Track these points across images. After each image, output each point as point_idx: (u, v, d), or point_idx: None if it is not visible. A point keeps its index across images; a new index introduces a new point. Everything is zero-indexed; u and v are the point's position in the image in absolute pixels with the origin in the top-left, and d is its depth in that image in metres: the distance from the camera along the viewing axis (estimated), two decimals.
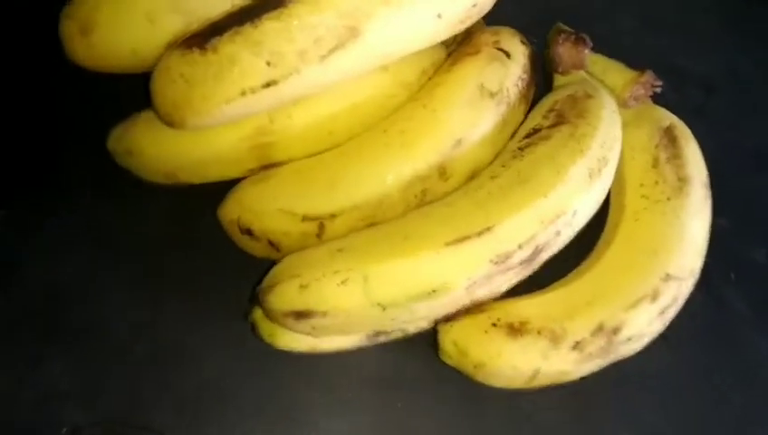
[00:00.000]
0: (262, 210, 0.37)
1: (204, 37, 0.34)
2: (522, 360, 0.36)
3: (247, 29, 0.34)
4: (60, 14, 0.38)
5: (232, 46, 0.34)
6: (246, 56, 0.34)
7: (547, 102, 0.39)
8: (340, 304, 0.33)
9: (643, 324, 0.36)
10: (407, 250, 0.33)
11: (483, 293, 0.34)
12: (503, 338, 0.36)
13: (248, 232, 0.37)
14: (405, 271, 0.33)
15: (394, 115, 0.38)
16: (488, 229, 0.33)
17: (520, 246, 0.34)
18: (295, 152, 0.38)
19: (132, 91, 0.38)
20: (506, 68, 0.38)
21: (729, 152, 0.43)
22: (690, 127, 0.41)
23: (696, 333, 0.40)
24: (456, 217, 0.34)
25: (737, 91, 0.47)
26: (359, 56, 0.34)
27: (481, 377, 0.36)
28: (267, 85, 0.34)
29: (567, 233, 0.35)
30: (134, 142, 0.39)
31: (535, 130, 0.37)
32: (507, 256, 0.33)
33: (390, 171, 0.36)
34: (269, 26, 0.33)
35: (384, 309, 0.33)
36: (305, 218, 0.36)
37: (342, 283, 0.33)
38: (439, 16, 0.35)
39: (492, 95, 0.37)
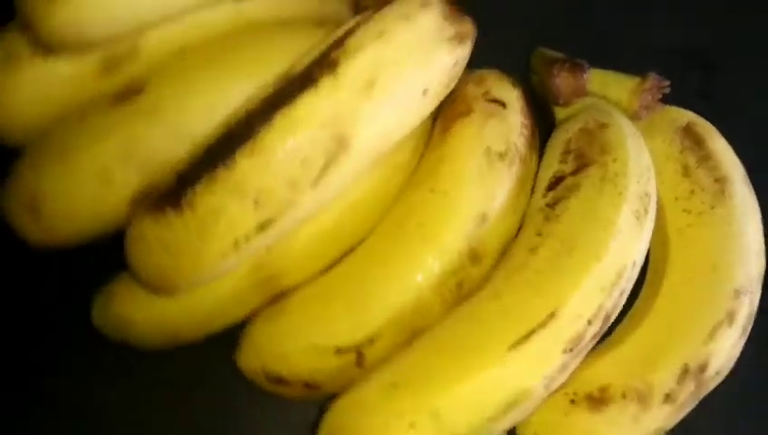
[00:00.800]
0: (287, 352, 0.33)
1: (174, 193, 0.30)
2: (614, 432, 0.32)
3: (221, 173, 0.29)
4: None
5: (210, 197, 0.29)
6: (230, 204, 0.29)
7: (558, 143, 0.35)
8: None
9: (728, 352, 0.33)
10: (469, 368, 0.29)
11: (561, 380, 0.31)
12: (586, 415, 0.32)
13: (278, 380, 0.33)
14: (475, 392, 0.29)
15: (404, 208, 0.33)
16: (552, 315, 0.29)
17: (590, 322, 0.30)
18: (304, 274, 0.34)
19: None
20: (506, 121, 0.34)
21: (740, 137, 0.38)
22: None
23: None
24: (509, 310, 0.30)
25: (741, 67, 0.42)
26: (354, 164, 0.30)
27: None
28: (262, 228, 0.29)
29: (629, 287, 0.32)
30: (121, 314, 0.34)
31: (558, 179, 0.33)
32: (580, 338, 0.30)
33: (418, 271, 0.32)
34: (245, 164, 0.29)
35: None
36: (339, 351, 0.32)
37: (411, 426, 0.29)
38: (425, 92, 0.31)
39: (501, 156, 0.33)
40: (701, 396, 0.33)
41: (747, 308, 0.33)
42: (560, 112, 0.37)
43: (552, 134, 0.36)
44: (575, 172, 0.33)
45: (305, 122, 0.29)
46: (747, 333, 0.34)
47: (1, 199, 0.34)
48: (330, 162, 0.29)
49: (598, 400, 0.32)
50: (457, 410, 0.29)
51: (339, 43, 0.30)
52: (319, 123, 0.29)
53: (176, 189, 0.29)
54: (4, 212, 0.34)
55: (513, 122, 0.34)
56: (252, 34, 0.33)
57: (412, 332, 0.32)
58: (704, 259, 0.34)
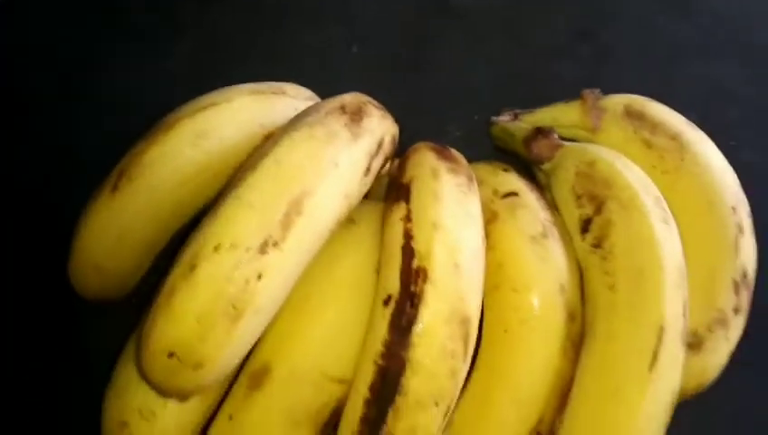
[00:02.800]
0: None
1: None
2: (716, 360, 0.42)
3: (400, 402, 0.35)
4: None
5: (402, 423, 0.35)
6: (419, 417, 0.35)
7: (566, 193, 0.42)
8: None
9: (753, 256, 0.42)
10: (628, 401, 0.37)
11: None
12: (694, 358, 0.42)
13: None
14: (649, 408, 0.37)
15: (494, 315, 0.40)
16: (661, 330, 0.37)
17: (684, 314, 0.38)
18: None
19: None
20: (527, 206, 0.41)
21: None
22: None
23: None
24: (628, 344, 0.38)
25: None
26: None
27: None
28: (444, 416, 0.36)
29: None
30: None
31: (587, 222, 0.41)
32: (686, 329, 0.38)
33: (545, 352, 0.39)
34: (414, 384, 0.35)
35: None
36: None
37: None
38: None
39: (543, 235, 0.40)
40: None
41: (745, 213, 0.43)
42: (545, 166, 0.44)
43: (553, 187, 0.43)
44: (598, 211, 0.41)
45: (437, 325, 0.35)
46: (753, 231, 0.43)
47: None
48: (466, 343, 0.36)
49: (695, 343, 0.41)
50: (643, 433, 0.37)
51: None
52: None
53: (369, 430, 0.35)
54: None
55: (531, 203, 0.41)
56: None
57: (561, 395, 0.40)
58: (699, 201, 0.43)
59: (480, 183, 0.41)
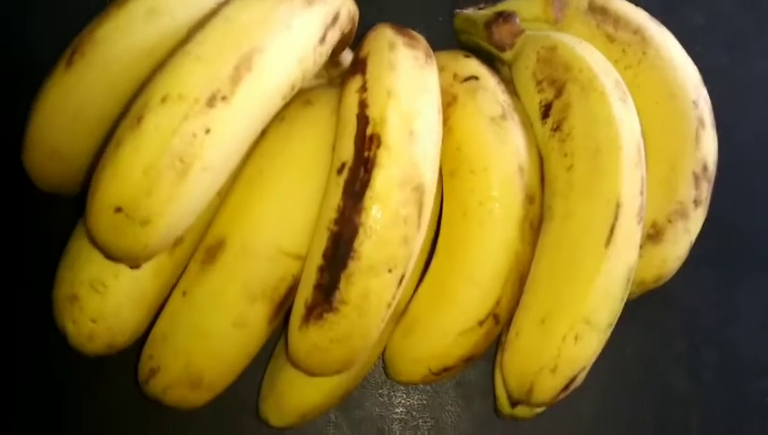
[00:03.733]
0: (443, 346, 0.40)
1: (323, 301, 0.35)
2: (677, 251, 0.42)
3: (353, 266, 0.35)
4: None
5: (354, 288, 0.35)
6: (371, 282, 0.35)
7: (526, 78, 0.42)
8: (584, 356, 0.38)
9: (713, 149, 0.42)
10: (586, 270, 0.37)
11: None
12: (654, 249, 0.42)
13: (444, 370, 0.40)
14: (606, 285, 0.37)
15: (455, 197, 0.40)
16: (618, 205, 0.37)
17: (641, 193, 0.38)
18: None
19: None
20: (487, 89, 0.41)
21: None
22: None
23: None
24: (586, 220, 0.38)
25: None
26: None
27: None
28: (400, 282, 0.36)
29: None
30: (299, 405, 0.42)
31: (547, 106, 0.41)
32: (641, 207, 0.38)
33: (504, 234, 0.39)
34: (366, 248, 0.35)
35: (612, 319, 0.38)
36: (481, 322, 0.39)
37: (577, 339, 0.37)
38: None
39: (503, 117, 0.40)
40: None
41: (706, 107, 0.43)
42: (506, 55, 0.44)
43: (515, 76, 0.43)
44: (558, 95, 0.40)
45: (390, 189, 0.35)
46: (713, 124, 0.43)
47: None
48: (420, 211, 0.36)
49: (655, 234, 0.41)
50: (599, 308, 0.37)
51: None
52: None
53: (323, 297, 0.35)
54: None
55: (491, 86, 0.41)
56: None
57: (520, 278, 0.40)
58: (660, 94, 0.42)
59: (441, 70, 0.41)
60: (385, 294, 0.35)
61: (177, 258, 0.39)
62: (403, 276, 0.36)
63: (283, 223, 0.38)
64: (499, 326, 0.40)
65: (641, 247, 0.40)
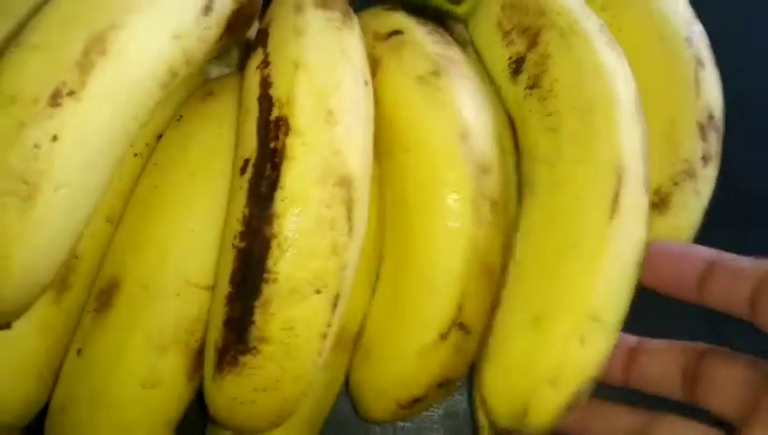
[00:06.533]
0: (404, 372, 0.32)
1: (236, 341, 0.28)
2: (687, 216, 0.33)
3: (267, 290, 0.27)
4: None
5: (274, 319, 0.27)
6: (294, 310, 0.27)
7: (490, 32, 0.34)
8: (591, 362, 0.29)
9: (717, 89, 0.34)
10: (582, 250, 0.29)
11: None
12: (659, 219, 0.33)
13: (415, 401, 0.32)
14: (612, 264, 0.28)
15: (396, 183, 0.32)
16: (620, 169, 0.29)
17: (642, 156, 0.30)
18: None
19: None
20: (413, 42, 0.32)
21: None
22: None
23: None
24: (583, 190, 0.29)
25: None
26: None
27: None
28: (335, 305, 0.28)
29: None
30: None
31: (519, 61, 0.32)
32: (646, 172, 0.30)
33: (451, 220, 0.31)
34: (282, 266, 0.27)
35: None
36: (443, 335, 0.31)
37: (582, 341, 0.28)
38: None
39: (435, 73, 0.32)
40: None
41: (702, 43, 0.35)
42: (458, 9, 0.35)
43: (474, 32, 0.35)
44: (532, 46, 0.32)
45: (306, 186, 0.27)
46: (713, 62, 0.35)
47: None
48: (350, 210, 0.28)
49: (660, 202, 0.33)
50: (608, 298, 0.28)
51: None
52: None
53: (235, 336, 0.27)
54: None
55: (418, 38, 0.33)
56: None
57: (487, 270, 0.31)
58: (647, 35, 0.34)
59: (366, 31, 0.33)
60: (316, 322, 0.27)
61: (66, 309, 0.31)
62: (338, 296, 0.27)
63: (189, 249, 0.30)
64: (472, 337, 0.31)
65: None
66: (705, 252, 0.29)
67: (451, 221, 0.30)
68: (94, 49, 0.26)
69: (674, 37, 0.34)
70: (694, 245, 0.32)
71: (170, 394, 0.31)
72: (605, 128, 0.29)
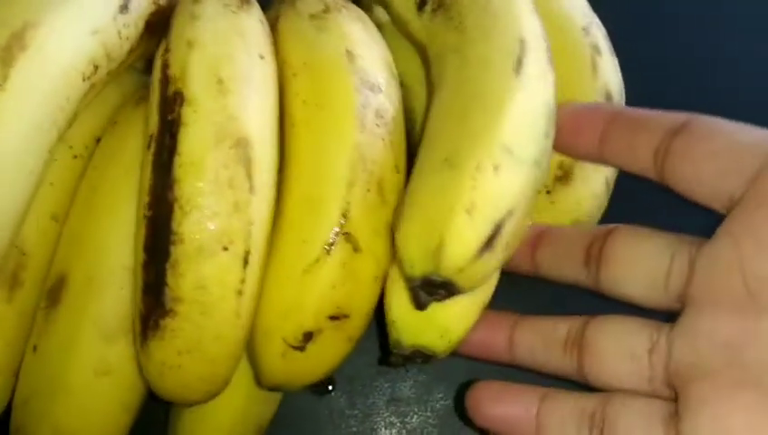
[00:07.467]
0: (288, 294, 0.30)
1: (154, 306, 0.29)
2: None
3: (177, 251, 0.29)
4: None
5: (184, 279, 0.28)
6: (205, 268, 0.28)
7: None
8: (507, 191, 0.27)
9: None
10: (497, 94, 0.28)
11: None
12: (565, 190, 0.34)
13: (307, 337, 0.29)
14: (520, 108, 0.27)
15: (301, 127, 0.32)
16: (522, 41, 0.29)
17: (543, 38, 0.30)
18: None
19: None
20: (328, 16, 0.33)
21: None
22: None
23: None
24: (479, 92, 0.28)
25: None
26: None
27: None
28: (246, 261, 0.29)
29: None
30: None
31: None
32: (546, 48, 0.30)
33: (330, 142, 0.30)
34: (186, 227, 0.28)
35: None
36: (327, 247, 0.29)
37: (496, 169, 0.26)
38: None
39: (326, 10, 0.33)
40: None
41: (600, 33, 0.35)
42: None
43: None
44: None
45: (202, 150, 0.28)
46: (612, 50, 0.35)
47: None
48: (249, 169, 0.29)
49: (562, 175, 0.33)
50: (520, 135, 0.27)
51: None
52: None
53: (153, 300, 0.28)
54: None
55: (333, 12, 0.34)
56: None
57: (376, 182, 0.30)
58: (550, 24, 0.32)
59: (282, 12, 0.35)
60: (228, 277, 0.28)
61: (19, 307, 0.33)
62: (248, 252, 0.28)
63: (127, 241, 0.31)
64: (363, 257, 0.29)
65: (551, 193, 0.33)
66: (607, 109, 0.29)
67: (334, 132, 0.30)
68: (15, 45, 0.28)
69: (571, 28, 0.35)
70: (597, 103, 0.32)
71: (124, 380, 0.32)
72: (506, 10, 0.30)
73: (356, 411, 0.38)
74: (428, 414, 0.38)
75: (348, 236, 0.29)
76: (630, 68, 0.35)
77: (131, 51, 0.32)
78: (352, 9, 0.34)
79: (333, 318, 0.29)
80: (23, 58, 0.28)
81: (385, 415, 0.38)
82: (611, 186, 0.34)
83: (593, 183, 0.33)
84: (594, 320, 0.29)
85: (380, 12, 0.37)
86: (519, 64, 0.28)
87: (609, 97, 0.34)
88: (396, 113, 0.32)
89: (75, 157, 0.34)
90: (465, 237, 0.26)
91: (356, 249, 0.29)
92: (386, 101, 0.31)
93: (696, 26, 0.44)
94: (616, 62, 0.35)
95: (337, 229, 0.29)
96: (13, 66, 0.28)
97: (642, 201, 0.32)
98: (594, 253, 0.29)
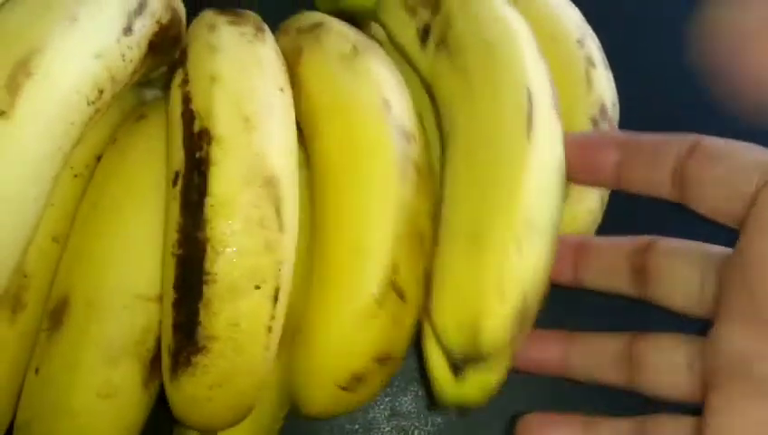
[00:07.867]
0: (339, 347, 0.31)
1: (186, 343, 0.29)
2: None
3: (209, 292, 0.29)
4: None
5: (218, 318, 0.29)
6: (239, 306, 0.29)
7: (398, 17, 0.35)
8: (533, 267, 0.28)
9: (611, 88, 0.37)
10: (513, 163, 0.29)
11: None
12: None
13: (357, 380, 0.31)
14: (535, 175, 0.29)
15: (326, 162, 0.33)
16: (529, 94, 0.30)
17: (549, 83, 0.31)
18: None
19: None
20: (333, 30, 0.34)
21: None
22: None
23: None
24: (492, 131, 0.30)
25: None
26: None
27: None
28: (276, 298, 0.30)
29: None
30: None
31: (426, 28, 0.33)
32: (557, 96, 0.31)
33: (383, 189, 0.31)
34: (220, 266, 0.29)
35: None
36: (378, 301, 0.30)
37: (518, 248, 0.28)
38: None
39: (355, 53, 0.34)
40: None
41: (594, 45, 0.37)
42: (366, 2, 0.38)
43: (384, 17, 0.37)
44: (436, 11, 0.33)
45: (233, 190, 0.29)
46: (606, 63, 0.37)
47: None
48: (278, 208, 0.29)
49: None
50: (537, 204, 0.28)
51: None
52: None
53: (185, 338, 0.29)
54: None
55: (338, 27, 0.35)
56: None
57: (418, 234, 0.31)
58: (540, 38, 0.33)
59: (285, 33, 0.35)
60: (259, 315, 0.29)
61: (21, 329, 0.32)
62: (278, 289, 0.29)
63: (133, 262, 0.32)
64: (408, 307, 0.31)
65: None
66: (619, 137, 0.30)
67: (378, 182, 0.31)
68: (20, 72, 0.27)
69: (565, 39, 0.36)
70: (607, 132, 0.34)
71: (127, 402, 0.32)
72: (509, 59, 0.30)
73: (356, 426, 0.39)
74: (429, 429, 0.40)
75: (396, 287, 0.30)
76: (623, 79, 0.37)
77: (134, 72, 0.32)
78: (376, 49, 0.34)
79: (380, 361, 0.31)
80: (28, 84, 0.27)
81: (386, 430, 0.40)
82: (606, 201, 0.36)
83: (588, 200, 0.35)
84: (641, 336, 0.30)
85: (377, 28, 0.38)
86: (529, 124, 0.29)
87: (603, 109, 0.35)
88: (427, 160, 0.33)
89: (76, 176, 0.33)
90: (499, 321, 0.27)
91: (402, 298, 0.31)
92: (419, 149, 0.32)
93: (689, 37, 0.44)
94: (610, 74, 0.37)
95: (386, 280, 0.30)
96: (18, 94, 0.27)
97: (636, 214, 0.34)
98: (638, 266, 0.30)
